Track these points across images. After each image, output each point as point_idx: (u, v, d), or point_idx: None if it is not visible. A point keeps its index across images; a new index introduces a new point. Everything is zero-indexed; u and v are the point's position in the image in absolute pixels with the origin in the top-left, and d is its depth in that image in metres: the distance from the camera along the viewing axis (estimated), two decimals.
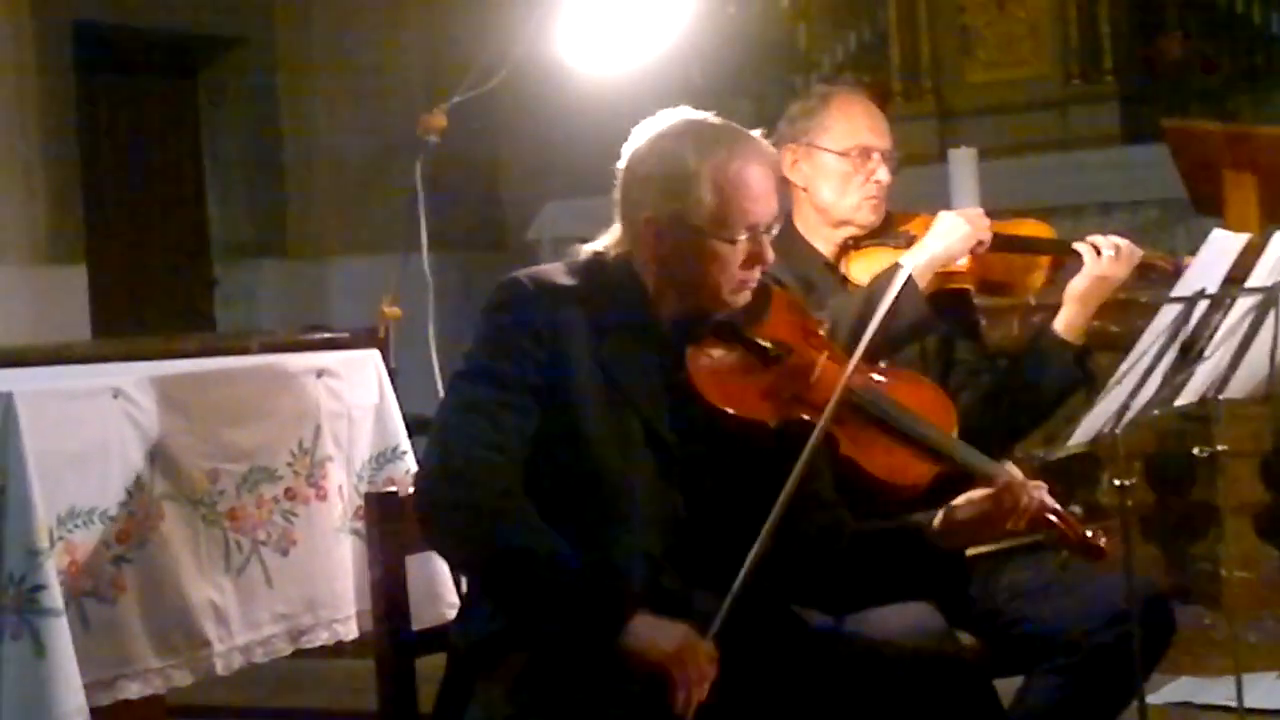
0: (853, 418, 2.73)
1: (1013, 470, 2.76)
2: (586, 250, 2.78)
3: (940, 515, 2.73)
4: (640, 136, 2.75)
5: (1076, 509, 2.79)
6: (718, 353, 2.72)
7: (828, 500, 2.79)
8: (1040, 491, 2.71)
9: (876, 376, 2.84)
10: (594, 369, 2.64)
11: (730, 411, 2.67)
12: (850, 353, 2.74)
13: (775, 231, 2.75)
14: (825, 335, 2.87)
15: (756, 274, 2.71)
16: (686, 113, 2.76)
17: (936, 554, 2.72)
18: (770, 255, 2.71)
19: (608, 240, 2.77)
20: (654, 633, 2.47)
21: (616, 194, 2.76)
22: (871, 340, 2.75)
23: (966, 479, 2.78)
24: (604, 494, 2.62)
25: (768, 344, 2.74)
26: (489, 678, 2.61)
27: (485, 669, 2.62)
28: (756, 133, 2.77)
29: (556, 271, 2.73)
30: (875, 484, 2.76)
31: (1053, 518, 2.71)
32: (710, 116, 2.76)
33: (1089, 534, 2.74)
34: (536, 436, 2.61)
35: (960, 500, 2.75)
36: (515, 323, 2.65)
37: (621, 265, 2.74)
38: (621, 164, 2.76)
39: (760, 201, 2.68)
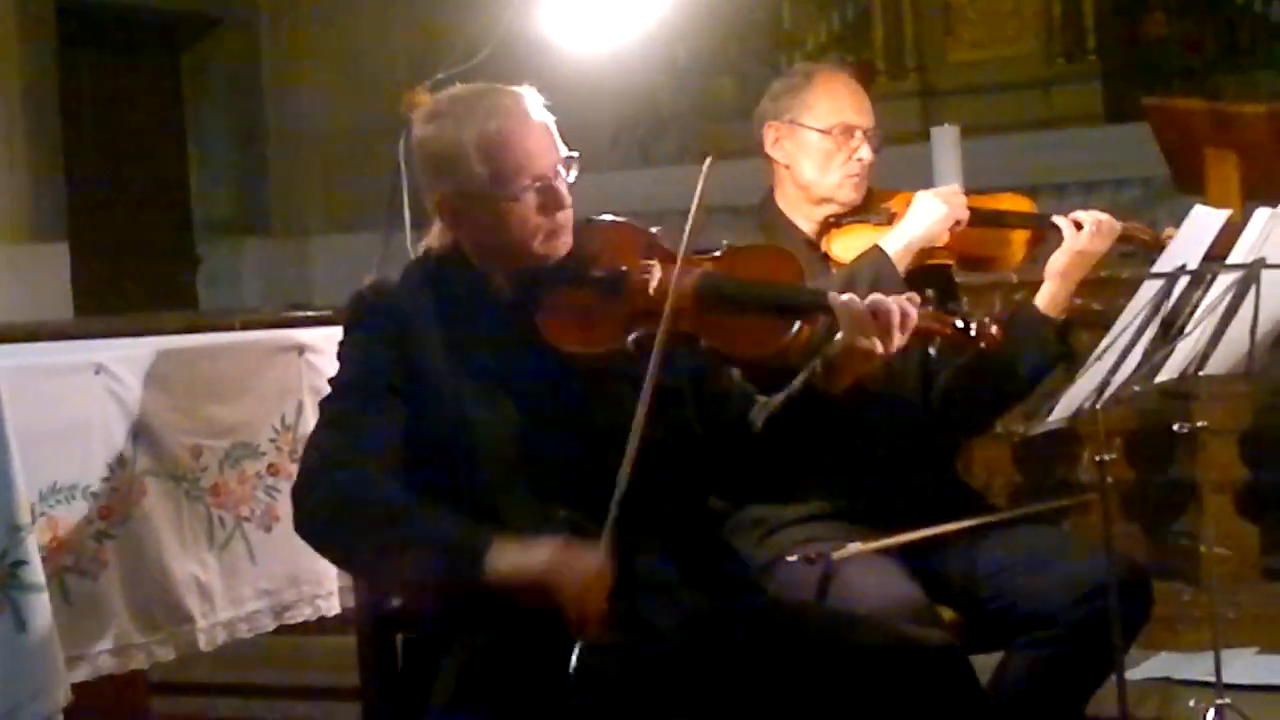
0: (702, 309, 2.69)
1: (876, 296, 2.67)
2: (421, 247, 2.82)
3: (818, 359, 2.70)
4: (413, 125, 2.77)
5: (959, 307, 2.72)
6: (560, 302, 2.70)
7: (734, 392, 2.80)
8: (900, 300, 2.65)
9: (710, 263, 2.79)
10: (450, 357, 2.66)
11: (588, 352, 2.67)
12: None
13: (570, 173, 2.71)
14: (659, 243, 2.80)
15: (562, 217, 2.70)
16: (446, 91, 2.78)
17: (832, 401, 2.68)
18: (565, 198, 2.69)
19: (434, 232, 2.80)
20: (520, 553, 2.46)
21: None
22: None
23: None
24: (495, 475, 2.63)
25: (600, 274, 2.72)
26: (458, 647, 2.60)
27: (443, 648, 2.62)
28: (525, 89, 2.74)
29: (394, 277, 2.79)
30: (751, 362, 2.75)
31: (911, 319, 2.64)
32: (473, 84, 2.77)
33: (966, 324, 2.70)
34: (414, 437, 2.64)
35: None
36: (364, 335, 2.71)
37: (449, 251, 2.77)
38: None
39: (532, 153, 2.67)
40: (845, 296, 2.65)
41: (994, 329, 2.71)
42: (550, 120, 2.74)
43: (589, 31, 4.94)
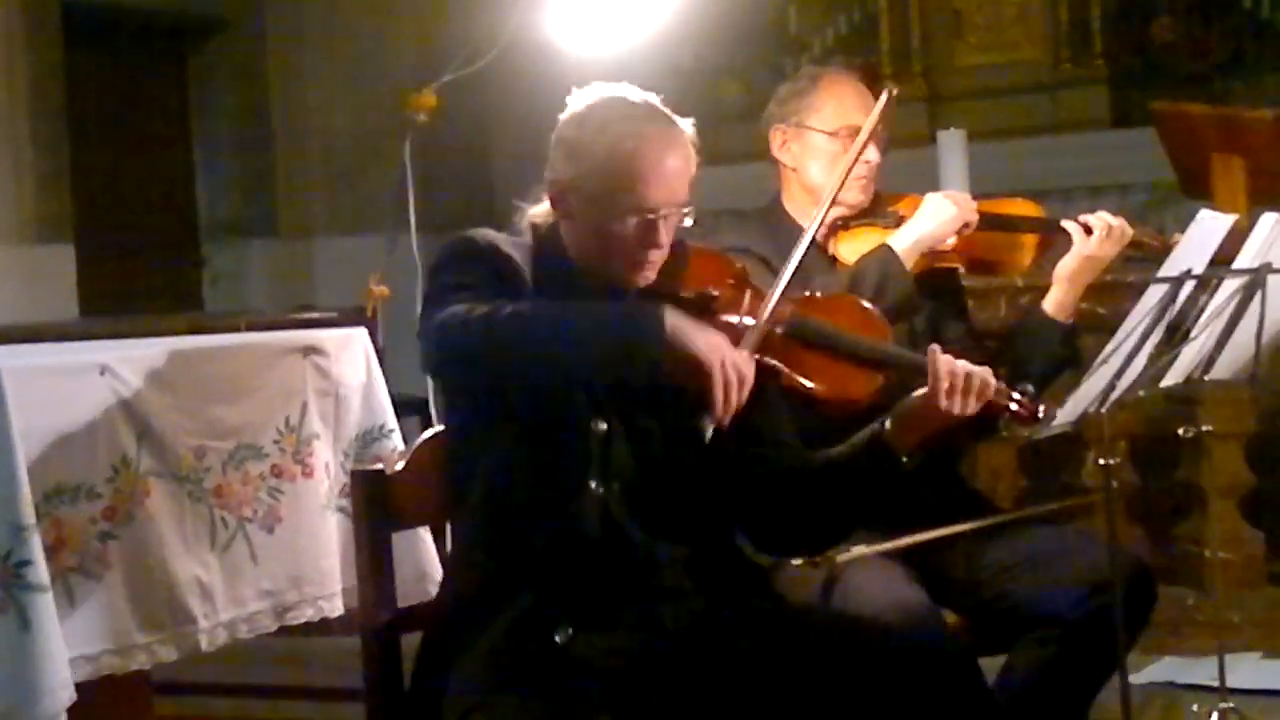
0: (786, 346, 2.77)
1: (959, 363, 2.73)
2: (527, 218, 2.81)
3: (889, 415, 2.73)
4: (570, 99, 2.77)
5: (1029, 387, 2.80)
6: None
7: (789, 440, 2.81)
8: (972, 367, 2.71)
9: (803, 304, 2.87)
10: None
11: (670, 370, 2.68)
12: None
13: (686, 220, 2.71)
14: (746, 275, 2.88)
15: (655, 255, 2.69)
16: (619, 88, 2.77)
17: (897, 459, 2.70)
18: (663, 239, 2.68)
19: (541, 210, 2.80)
20: (693, 329, 2.57)
21: None
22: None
23: (917, 380, 2.77)
24: (560, 445, 2.64)
25: (690, 294, 2.75)
26: (466, 652, 2.61)
27: (464, 644, 2.63)
28: (688, 122, 2.75)
29: (501, 237, 2.77)
30: (824, 405, 2.80)
31: (991, 389, 2.71)
32: (644, 97, 2.76)
33: (1032, 404, 2.79)
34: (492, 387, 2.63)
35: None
36: (473, 267, 2.69)
37: (550, 234, 2.77)
38: None
39: (653, 186, 2.65)
40: (945, 357, 2.69)
41: (1041, 408, 2.80)
42: (693, 160, 2.73)
43: (594, 35, 4.95)
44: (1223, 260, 3.18)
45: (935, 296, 3.41)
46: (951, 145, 6.31)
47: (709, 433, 2.62)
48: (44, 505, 2.77)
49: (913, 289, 3.27)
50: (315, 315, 5.53)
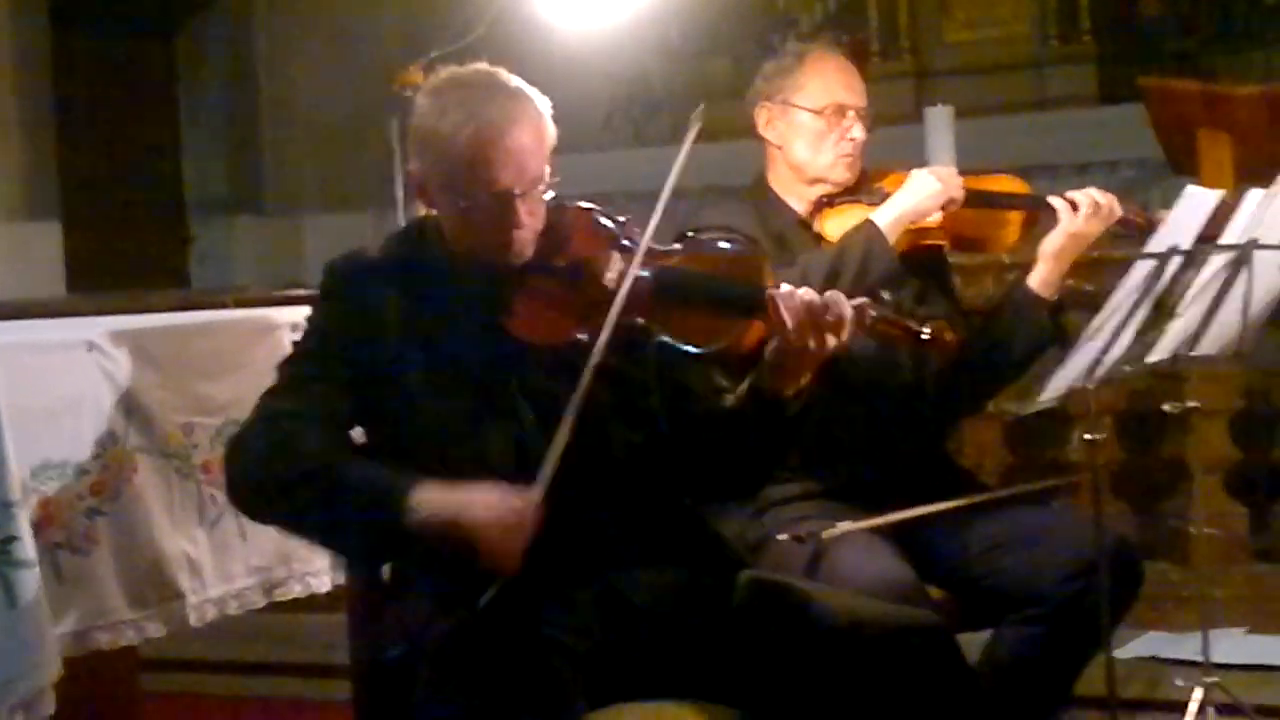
0: (655, 302, 2.68)
1: (810, 294, 2.62)
2: (417, 214, 2.81)
3: (766, 355, 2.66)
4: (418, 94, 2.73)
5: (918, 311, 2.68)
6: (522, 294, 2.68)
7: (699, 387, 2.76)
8: (836, 298, 2.59)
9: (672, 257, 2.76)
10: (408, 338, 2.66)
11: (547, 341, 2.66)
12: None
13: (540, 192, 2.67)
14: (627, 232, 2.76)
15: (521, 234, 2.65)
16: (465, 70, 2.72)
17: (780, 405, 2.64)
18: (523, 218, 2.64)
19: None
20: (443, 494, 2.48)
21: None
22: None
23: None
24: (436, 463, 2.60)
25: (562, 263, 2.70)
26: (441, 621, 2.56)
27: (437, 615, 2.58)
28: (536, 95, 2.69)
29: (374, 247, 2.78)
30: (706, 356, 2.70)
31: (868, 320, 2.61)
32: (487, 77, 2.70)
33: (918, 328, 2.65)
34: (360, 413, 2.66)
35: None
36: (329, 305, 2.72)
37: (432, 224, 2.76)
38: None
39: (499, 167, 2.61)
40: (785, 289, 2.60)
41: (948, 335, 2.66)
42: (549, 131, 2.68)
43: (582, 11, 4.94)
44: (1209, 237, 3.19)
45: (921, 273, 3.41)
46: (939, 121, 6.29)
47: (490, 594, 2.49)
48: (31, 482, 2.78)
49: (897, 265, 3.28)
50: (303, 292, 5.51)
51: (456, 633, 2.52)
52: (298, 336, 3.28)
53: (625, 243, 2.72)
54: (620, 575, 2.63)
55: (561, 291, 2.69)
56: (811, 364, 2.60)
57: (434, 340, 2.67)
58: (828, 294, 2.60)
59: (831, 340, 2.57)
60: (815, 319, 2.56)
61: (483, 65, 2.74)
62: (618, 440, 2.66)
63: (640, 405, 2.73)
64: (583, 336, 2.63)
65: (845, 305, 2.57)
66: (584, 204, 2.78)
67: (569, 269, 2.70)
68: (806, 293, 2.58)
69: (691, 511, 2.82)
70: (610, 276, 2.68)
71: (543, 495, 2.49)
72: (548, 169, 2.68)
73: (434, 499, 2.49)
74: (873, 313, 2.62)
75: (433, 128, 2.65)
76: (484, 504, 2.47)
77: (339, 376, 2.65)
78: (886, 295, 2.68)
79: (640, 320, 2.66)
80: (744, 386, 2.69)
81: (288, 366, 2.73)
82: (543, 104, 2.70)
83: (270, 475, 2.57)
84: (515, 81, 2.70)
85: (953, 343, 2.67)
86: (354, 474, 2.55)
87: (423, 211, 2.80)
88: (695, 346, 2.68)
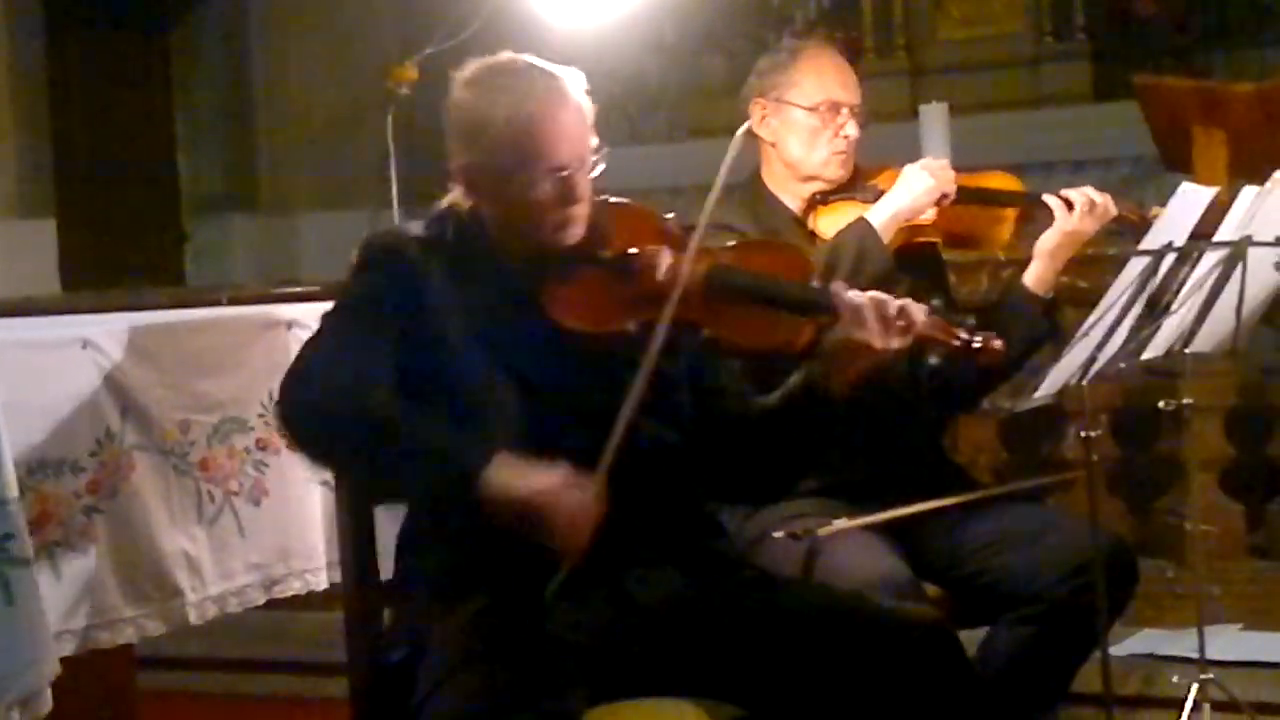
0: (708, 299, 2.69)
1: (880, 295, 2.68)
2: (442, 204, 2.80)
3: (817, 355, 2.69)
4: (451, 87, 2.74)
5: (970, 321, 2.71)
6: (568, 280, 2.69)
7: (732, 388, 2.79)
8: (906, 303, 2.65)
9: (723, 253, 2.80)
10: (452, 320, 2.64)
11: (592, 331, 2.66)
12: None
13: (594, 167, 2.69)
14: (672, 229, 2.79)
15: (577, 210, 2.68)
16: (493, 60, 2.74)
17: (831, 401, 2.67)
18: (582, 192, 2.67)
19: (457, 193, 2.77)
20: (518, 473, 2.46)
21: None
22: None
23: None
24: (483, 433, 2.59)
25: (611, 255, 2.71)
26: (445, 620, 2.58)
27: (441, 613, 2.61)
28: (572, 71, 2.72)
29: (413, 227, 2.76)
30: (753, 355, 2.74)
31: (924, 325, 2.64)
32: (521, 60, 2.73)
33: (970, 337, 2.67)
34: (412, 375, 2.61)
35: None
36: (373, 276, 2.67)
37: (469, 214, 2.75)
38: None
39: (558, 142, 2.64)
40: (850, 291, 2.65)
41: (996, 343, 2.69)
42: (587, 106, 2.72)
43: (577, 8, 4.95)
44: (1204, 234, 3.19)
45: (915, 271, 3.41)
46: (933, 119, 6.32)
47: (557, 582, 2.49)
48: (27, 479, 2.77)
49: (891, 263, 3.28)
50: (298, 289, 5.51)
51: (464, 629, 2.53)
52: (299, 332, 3.31)
53: (674, 237, 2.74)
54: (630, 573, 2.63)
55: (609, 283, 2.69)
56: (869, 363, 2.64)
57: (477, 323, 2.65)
58: (887, 296, 2.64)
59: (890, 338, 2.61)
60: (879, 316, 2.61)
61: (507, 53, 2.75)
62: (648, 436, 2.65)
63: (672, 402, 2.73)
64: (630, 328, 2.65)
65: (904, 306, 2.62)
66: (627, 200, 2.79)
67: (618, 261, 2.71)
68: (874, 294, 2.63)
69: (704, 512, 2.82)
70: (661, 270, 2.69)
71: (604, 485, 2.48)
72: (594, 141, 2.70)
73: (508, 477, 2.46)
74: (932, 318, 2.66)
75: (484, 116, 2.66)
76: (558, 487, 2.45)
77: (389, 336, 2.61)
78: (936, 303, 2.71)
79: (691, 317, 2.68)
80: (796, 380, 2.71)
81: (338, 318, 2.66)
82: (579, 80, 2.73)
83: (335, 420, 2.51)
84: (544, 63, 2.72)
85: (1001, 350, 2.70)
86: (426, 434, 2.52)
87: (445, 203, 2.80)
88: (747, 345, 2.70)
